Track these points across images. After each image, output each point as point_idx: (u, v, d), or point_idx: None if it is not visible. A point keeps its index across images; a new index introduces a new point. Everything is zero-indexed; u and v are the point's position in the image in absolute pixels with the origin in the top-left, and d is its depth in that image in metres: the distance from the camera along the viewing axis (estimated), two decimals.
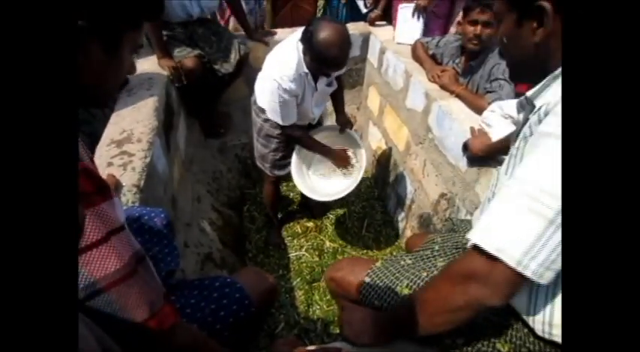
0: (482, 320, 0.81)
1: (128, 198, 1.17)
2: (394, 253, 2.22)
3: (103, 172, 1.23)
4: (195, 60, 1.97)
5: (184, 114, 2.17)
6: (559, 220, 0.54)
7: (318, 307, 1.92)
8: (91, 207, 0.49)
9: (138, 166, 1.29)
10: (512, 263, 0.58)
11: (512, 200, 0.59)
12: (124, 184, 1.20)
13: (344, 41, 1.43)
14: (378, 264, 0.98)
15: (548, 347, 0.75)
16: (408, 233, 2.16)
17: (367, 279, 0.95)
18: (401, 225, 2.30)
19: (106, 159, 1.31)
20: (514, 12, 0.65)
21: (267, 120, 1.75)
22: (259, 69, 1.72)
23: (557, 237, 0.55)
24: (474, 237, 0.63)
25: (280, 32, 2.47)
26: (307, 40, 1.44)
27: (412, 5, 2.23)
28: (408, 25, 2.28)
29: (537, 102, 0.65)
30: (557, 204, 0.54)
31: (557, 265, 0.57)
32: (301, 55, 1.54)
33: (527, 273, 0.57)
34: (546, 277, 0.58)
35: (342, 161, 1.92)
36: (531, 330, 0.75)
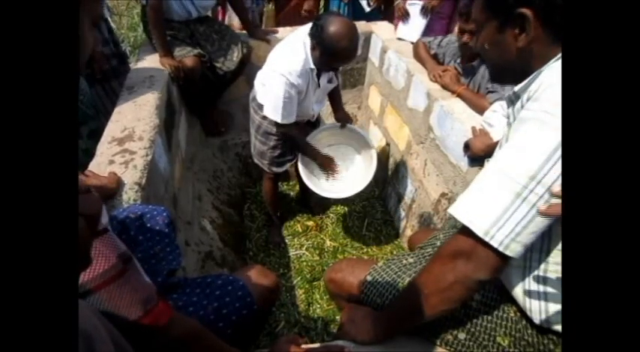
0: (482, 313, 0.82)
1: (130, 195, 1.17)
2: (394, 252, 2.22)
3: (105, 170, 1.23)
4: (195, 59, 1.97)
5: (185, 113, 2.17)
6: (525, 194, 0.59)
7: (318, 306, 1.92)
8: None
9: (139, 164, 1.28)
10: (480, 232, 0.62)
11: (487, 176, 0.64)
12: (125, 182, 1.20)
13: (353, 34, 1.44)
14: (380, 263, 0.98)
15: (546, 338, 0.78)
16: (409, 232, 2.16)
17: (369, 278, 0.96)
18: (401, 225, 2.30)
19: (107, 157, 1.31)
20: (495, 20, 0.67)
21: (265, 117, 1.75)
22: (261, 67, 1.72)
23: (523, 210, 0.59)
24: (451, 209, 0.67)
25: (282, 31, 2.46)
26: (317, 34, 1.45)
27: (420, 3, 2.24)
28: (412, 22, 2.29)
29: (523, 96, 0.68)
30: (525, 179, 0.58)
31: (523, 238, 0.61)
32: (308, 50, 1.54)
33: (494, 243, 0.62)
34: (512, 249, 0.62)
35: (326, 166, 1.93)
36: (529, 321, 0.77)
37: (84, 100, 1.77)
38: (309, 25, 1.53)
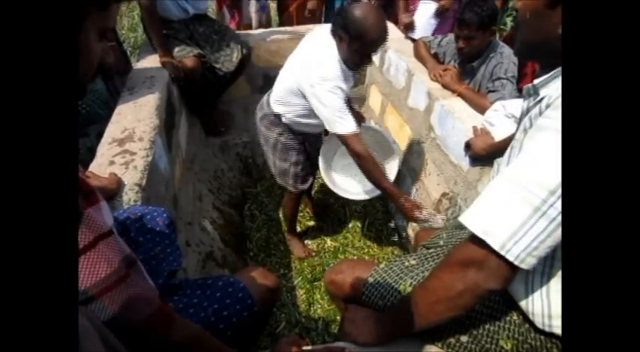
0: (485, 316, 0.81)
1: (130, 196, 1.17)
2: (395, 252, 2.22)
3: (105, 171, 1.22)
4: (195, 59, 1.97)
5: (186, 113, 2.16)
6: (544, 208, 0.57)
7: (319, 306, 1.92)
8: None
9: (140, 165, 1.28)
10: (496, 246, 0.61)
11: (504, 186, 0.61)
12: (125, 183, 1.20)
13: (379, 13, 1.37)
14: (382, 264, 0.98)
15: (549, 342, 0.77)
16: (410, 232, 2.16)
17: (371, 279, 0.95)
18: (402, 225, 2.30)
19: (107, 158, 1.30)
20: None
21: (282, 133, 1.67)
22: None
23: (541, 224, 0.57)
24: (464, 218, 0.65)
25: (282, 30, 2.46)
26: (342, 24, 1.35)
27: (435, 5, 2.25)
28: (423, 22, 2.31)
29: (542, 92, 0.66)
30: (544, 193, 0.56)
31: (539, 252, 0.59)
32: (336, 51, 1.43)
33: (510, 257, 0.60)
34: (527, 263, 0.60)
35: (411, 209, 1.46)
36: (532, 324, 0.76)
37: (96, 100, 1.78)
38: (323, 34, 1.45)
